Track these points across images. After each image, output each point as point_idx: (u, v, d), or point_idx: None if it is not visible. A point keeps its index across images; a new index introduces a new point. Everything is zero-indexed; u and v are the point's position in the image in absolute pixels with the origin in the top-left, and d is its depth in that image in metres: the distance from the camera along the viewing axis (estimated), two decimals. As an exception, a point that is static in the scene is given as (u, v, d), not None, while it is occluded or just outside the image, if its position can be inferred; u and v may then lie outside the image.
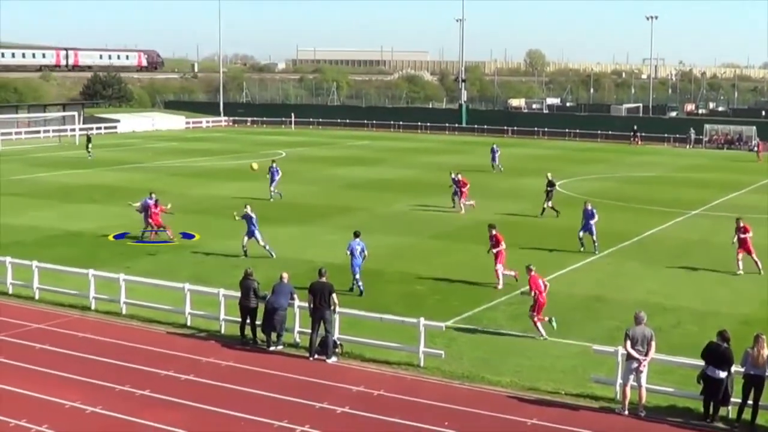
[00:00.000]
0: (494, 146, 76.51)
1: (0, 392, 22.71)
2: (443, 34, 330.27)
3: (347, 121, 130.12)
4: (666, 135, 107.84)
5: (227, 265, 36.85)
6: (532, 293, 28.11)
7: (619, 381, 22.23)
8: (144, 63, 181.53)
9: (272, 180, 56.54)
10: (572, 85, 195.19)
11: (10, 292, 32.73)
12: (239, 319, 27.27)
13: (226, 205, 53.15)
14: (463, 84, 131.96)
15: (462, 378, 23.99)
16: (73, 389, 22.85)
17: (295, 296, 26.70)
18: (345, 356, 25.67)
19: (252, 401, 22.15)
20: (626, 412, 21.59)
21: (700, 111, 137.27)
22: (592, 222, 40.15)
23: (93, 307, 30.66)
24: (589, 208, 40.63)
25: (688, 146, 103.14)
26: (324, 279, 26.17)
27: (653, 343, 21.75)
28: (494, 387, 23.38)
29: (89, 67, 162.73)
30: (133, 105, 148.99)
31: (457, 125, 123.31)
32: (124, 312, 30.03)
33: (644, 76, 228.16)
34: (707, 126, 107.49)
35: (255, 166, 55.53)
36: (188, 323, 28.75)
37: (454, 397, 22.61)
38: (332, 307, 25.78)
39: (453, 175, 52.61)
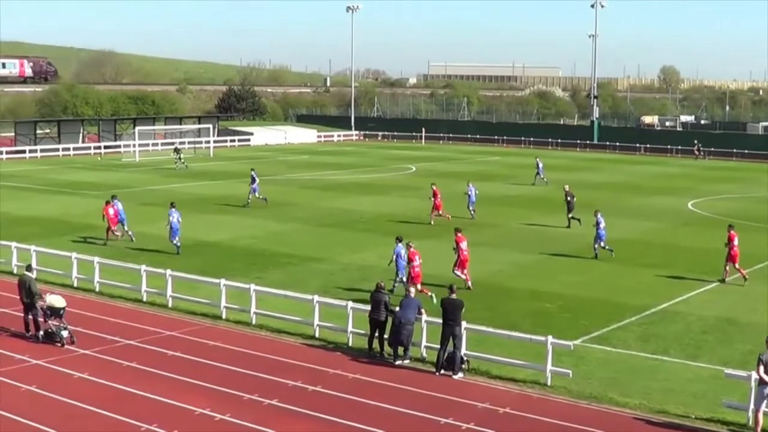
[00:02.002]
0: (537, 159, 77.61)
1: (133, 396, 23.30)
2: (576, 49, 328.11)
3: (477, 136, 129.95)
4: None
5: (356, 278, 37.12)
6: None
7: (752, 407, 21.71)
8: (28, 73, 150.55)
9: (253, 185, 58.85)
10: (707, 102, 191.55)
11: (145, 299, 33.55)
12: (367, 332, 27.44)
13: (356, 218, 53.58)
14: (595, 100, 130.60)
15: (589, 398, 23.71)
16: (203, 396, 23.29)
17: (423, 311, 26.76)
18: (471, 372, 25.62)
19: (377, 415, 22.25)
20: (759, 439, 21.10)
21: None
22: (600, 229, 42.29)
23: (224, 317, 31.20)
24: (598, 216, 42.34)
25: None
26: (454, 295, 26.18)
27: (788, 369, 21.21)
28: (622, 408, 23.04)
29: None
30: (266, 118, 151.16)
31: (588, 142, 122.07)
32: (254, 322, 30.47)
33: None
34: None
35: None
36: (316, 335, 29.02)
37: (581, 417, 22.36)
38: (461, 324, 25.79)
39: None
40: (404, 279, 33.76)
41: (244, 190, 66.38)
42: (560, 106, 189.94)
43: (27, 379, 24.52)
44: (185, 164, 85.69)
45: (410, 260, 33.55)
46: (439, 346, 25.69)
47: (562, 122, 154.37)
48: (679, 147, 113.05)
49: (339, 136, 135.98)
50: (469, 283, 35.69)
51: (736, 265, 37.59)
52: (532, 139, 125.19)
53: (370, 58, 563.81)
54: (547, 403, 23.35)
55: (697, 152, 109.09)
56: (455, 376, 25.24)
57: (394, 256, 34.51)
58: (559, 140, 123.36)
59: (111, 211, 45.45)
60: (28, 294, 28.52)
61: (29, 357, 26.57)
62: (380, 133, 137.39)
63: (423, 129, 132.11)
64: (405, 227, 49.96)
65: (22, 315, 28.87)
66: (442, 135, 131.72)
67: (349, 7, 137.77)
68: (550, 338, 25.04)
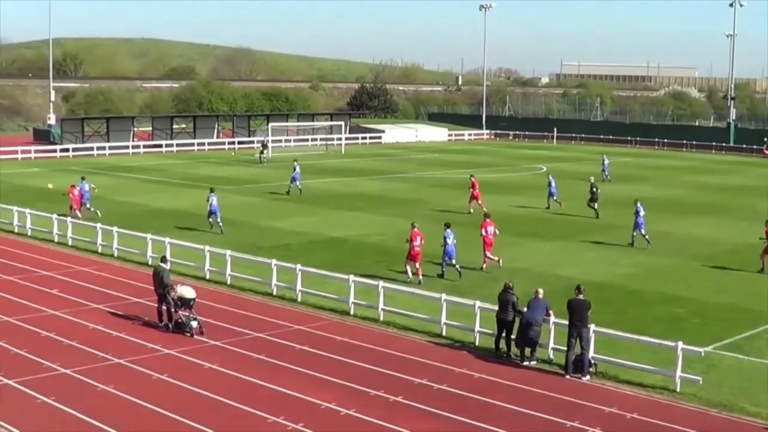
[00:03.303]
0: (604, 156, 79.40)
1: (260, 389, 23.65)
2: (712, 49, 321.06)
3: (610, 137, 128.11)
4: None
5: (484, 278, 37.01)
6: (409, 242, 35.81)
7: None
8: None
9: (294, 176, 62.29)
10: None
11: (275, 293, 34.03)
12: (494, 332, 27.35)
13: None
14: (732, 102, 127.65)
15: (719, 406, 23.19)
16: (329, 391, 23.50)
17: (551, 312, 26.54)
18: (599, 376, 25.32)
19: (502, 415, 22.15)
20: None
21: None
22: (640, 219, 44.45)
23: (352, 312, 31.45)
24: (638, 205, 44.69)
25: None
26: (581, 296, 25.91)
27: None
28: (753, 418, 22.48)
29: None
30: (398, 116, 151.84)
31: (724, 144, 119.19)
32: (381, 319, 30.64)
33: None
34: None
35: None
36: (443, 333, 29.03)
37: (710, 425, 21.92)
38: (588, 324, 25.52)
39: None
40: (454, 262, 36.22)
41: (374, 188, 66.92)
42: (695, 107, 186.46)
43: (159, 368, 25.11)
44: (264, 161, 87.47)
45: (412, 240, 35.85)
46: (566, 348, 25.48)
47: (697, 123, 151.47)
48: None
49: (470, 135, 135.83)
50: (485, 266, 38.46)
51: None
52: (665, 140, 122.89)
53: (502, 57, 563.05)
54: (675, 410, 22.95)
55: (766, 150, 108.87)
56: (583, 379, 24.99)
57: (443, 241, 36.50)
58: (694, 142, 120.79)
59: (76, 192, 50.12)
60: (161, 284, 29.21)
61: (161, 346, 27.20)
62: (511, 133, 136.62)
63: (555, 129, 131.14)
64: (532, 226, 49.64)
65: (156, 305, 29.58)
66: (574, 135, 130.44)
67: (482, 6, 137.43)
68: (680, 344, 24.58)
